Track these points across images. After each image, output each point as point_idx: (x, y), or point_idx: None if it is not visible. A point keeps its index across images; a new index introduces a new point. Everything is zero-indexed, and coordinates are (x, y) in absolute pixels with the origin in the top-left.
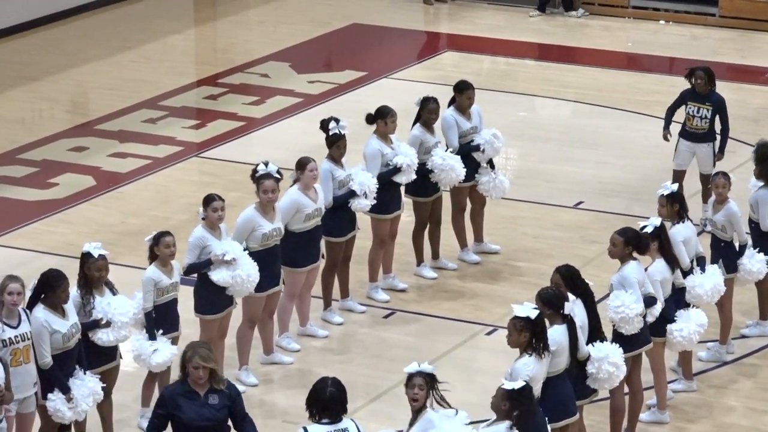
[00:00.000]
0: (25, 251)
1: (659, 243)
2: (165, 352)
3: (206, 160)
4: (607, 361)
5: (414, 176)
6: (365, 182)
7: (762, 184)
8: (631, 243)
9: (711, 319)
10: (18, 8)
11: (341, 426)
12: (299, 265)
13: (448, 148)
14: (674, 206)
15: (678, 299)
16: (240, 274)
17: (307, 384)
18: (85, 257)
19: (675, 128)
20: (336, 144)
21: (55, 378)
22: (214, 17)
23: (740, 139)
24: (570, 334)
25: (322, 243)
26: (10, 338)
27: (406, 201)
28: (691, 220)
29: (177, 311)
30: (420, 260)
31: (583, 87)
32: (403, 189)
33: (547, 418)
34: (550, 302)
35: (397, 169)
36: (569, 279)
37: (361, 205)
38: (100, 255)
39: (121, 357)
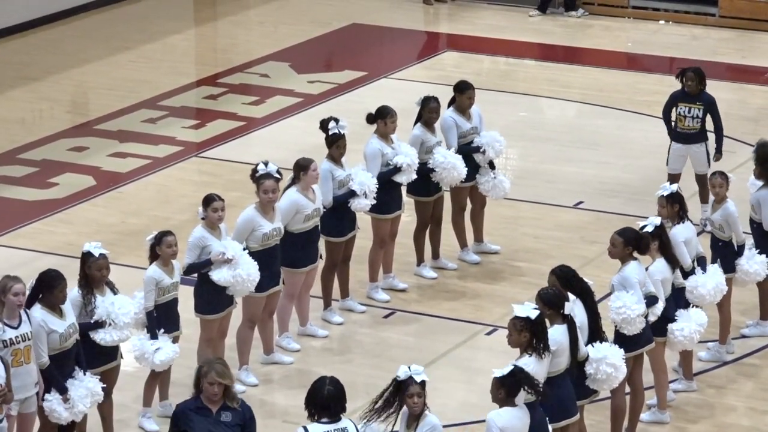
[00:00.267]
0: (25, 251)
1: (659, 242)
2: (167, 351)
3: (206, 159)
4: (605, 362)
5: (414, 176)
6: (365, 182)
7: (762, 183)
8: (631, 243)
9: (711, 318)
10: (18, 8)
11: (340, 426)
12: (299, 266)
13: (449, 149)
14: (674, 207)
15: (678, 299)
16: (240, 273)
17: (306, 384)
18: (86, 257)
19: None
20: (336, 144)
21: (51, 378)
22: (214, 17)
23: (740, 139)
24: (570, 334)
25: (321, 243)
26: (10, 338)
27: (407, 200)
28: (691, 221)
29: (177, 311)
30: (420, 260)
31: (584, 87)
32: (404, 189)
33: (547, 418)
34: (551, 302)
35: (397, 169)
36: (565, 279)
37: (360, 205)
38: (101, 254)
39: (122, 357)
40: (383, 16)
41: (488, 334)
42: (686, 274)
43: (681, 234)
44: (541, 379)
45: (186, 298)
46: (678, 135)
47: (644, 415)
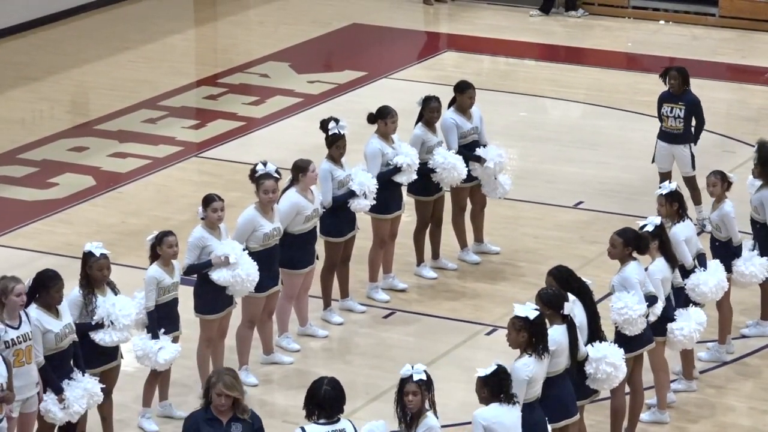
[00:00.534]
0: (25, 251)
1: (659, 242)
2: (170, 350)
3: (206, 160)
4: (604, 361)
5: (414, 176)
6: (365, 182)
7: (761, 183)
8: (630, 243)
9: (710, 318)
10: (18, 8)
11: (339, 426)
12: (299, 267)
13: (449, 150)
14: (673, 205)
15: (677, 298)
16: (240, 273)
17: (306, 384)
18: (87, 256)
19: None
20: (335, 144)
21: (47, 378)
22: (214, 17)
23: (740, 139)
24: (569, 334)
25: (319, 244)
26: (12, 339)
27: (408, 200)
28: (691, 219)
29: (177, 311)
30: (420, 260)
31: (584, 87)
32: (404, 188)
33: (547, 419)
34: (551, 302)
35: (397, 169)
36: (562, 280)
37: (360, 206)
38: (102, 254)
39: (122, 357)
40: (383, 16)
41: (488, 334)
42: (686, 273)
43: (681, 233)
44: (541, 379)
45: (186, 298)
46: (663, 134)
47: (644, 415)
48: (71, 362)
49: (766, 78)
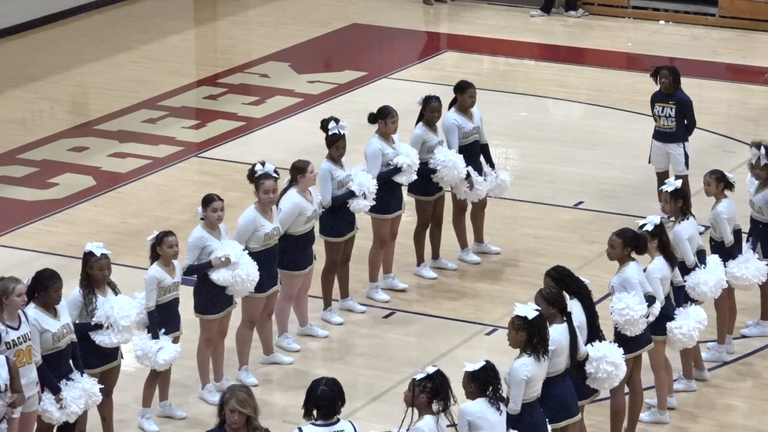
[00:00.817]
0: (25, 251)
1: (659, 241)
2: (170, 350)
3: (206, 160)
4: (605, 360)
5: (414, 176)
6: (364, 183)
7: (759, 183)
8: (629, 244)
9: (711, 317)
10: (18, 8)
11: (338, 428)
12: (299, 268)
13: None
14: (678, 202)
15: (677, 297)
16: (240, 273)
17: (306, 384)
18: (88, 256)
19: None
20: (335, 144)
21: (44, 378)
22: (214, 17)
23: (740, 139)
24: (570, 333)
25: (320, 244)
26: (13, 340)
27: (408, 200)
28: (694, 216)
29: (178, 311)
30: (420, 260)
31: (583, 87)
32: (405, 188)
33: (548, 419)
34: (554, 300)
35: (397, 169)
36: (559, 280)
37: (360, 206)
38: (102, 254)
39: (122, 357)
40: (383, 16)
41: (488, 334)
42: (687, 270)
43: (685, 231)
44: (540, 380)
45: (186, 299)
46: (657, 133)
47: (644, 415)
48: (69, 362)
49: (766, 78)
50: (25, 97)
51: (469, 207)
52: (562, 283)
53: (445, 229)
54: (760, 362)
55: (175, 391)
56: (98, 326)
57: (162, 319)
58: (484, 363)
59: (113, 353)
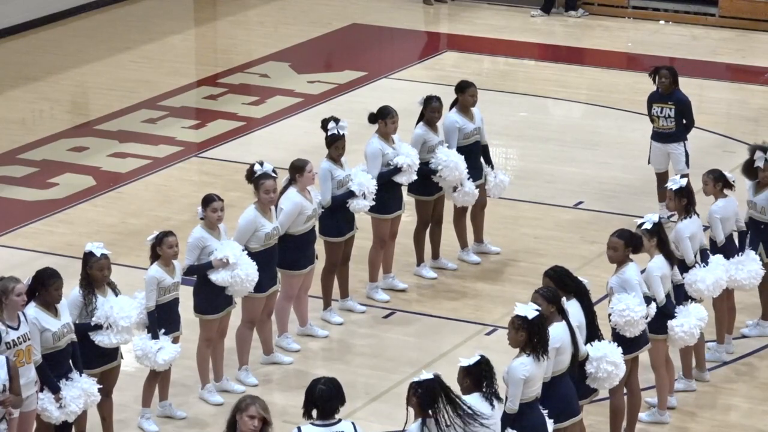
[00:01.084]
0: (25, 251)
1: (658, 239)
2: (170, 351)
3: (206, 160)
4: (605, 359)
5: (414, 177)
6: (364, 183)
7: (756, 182)
8: (630, 244)
9: (712, 317)
10: (18, 8)
11: (338, 428)
12: (299, 268)
13: None
14: (682, 200)
15: (676, 295)
16: (239, 273)
17: (306, 384)
18: (88, 256)
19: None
20: (335, 144)
21: (44, 377)
22: (214, 17)
23: (740, 139)
24: (569, 331)
25: (320, 243)
26: (13, 340)
27: (408, 200)
28: (698, 214)
29: (178, 311)
30: (420, 260)
31: (583, 87)
32: (405, 188)
33: (552, 420)
34: (554, 298)
35: (397, 169)
36: (558, 280)
37: (359, 206)
38: (102, 254)
39: (122, 357)
40: (383, 16)
41: (488, 334)
42: (687, 269)
43: (687, 229)
44: (539, 380)
45: (185, 299)
46: (656, 135)
47: (644, 415)
48: (69, 362)
49: (766, 78)
50: (25, 97)
51: (470, 207)
52: (560, 283)
53: (445, 229)
54: (759, 362)
55: (175, 391)
56: (98, 326)
57: (162, 319)
58: (479, 358)
59: (113, 353)
